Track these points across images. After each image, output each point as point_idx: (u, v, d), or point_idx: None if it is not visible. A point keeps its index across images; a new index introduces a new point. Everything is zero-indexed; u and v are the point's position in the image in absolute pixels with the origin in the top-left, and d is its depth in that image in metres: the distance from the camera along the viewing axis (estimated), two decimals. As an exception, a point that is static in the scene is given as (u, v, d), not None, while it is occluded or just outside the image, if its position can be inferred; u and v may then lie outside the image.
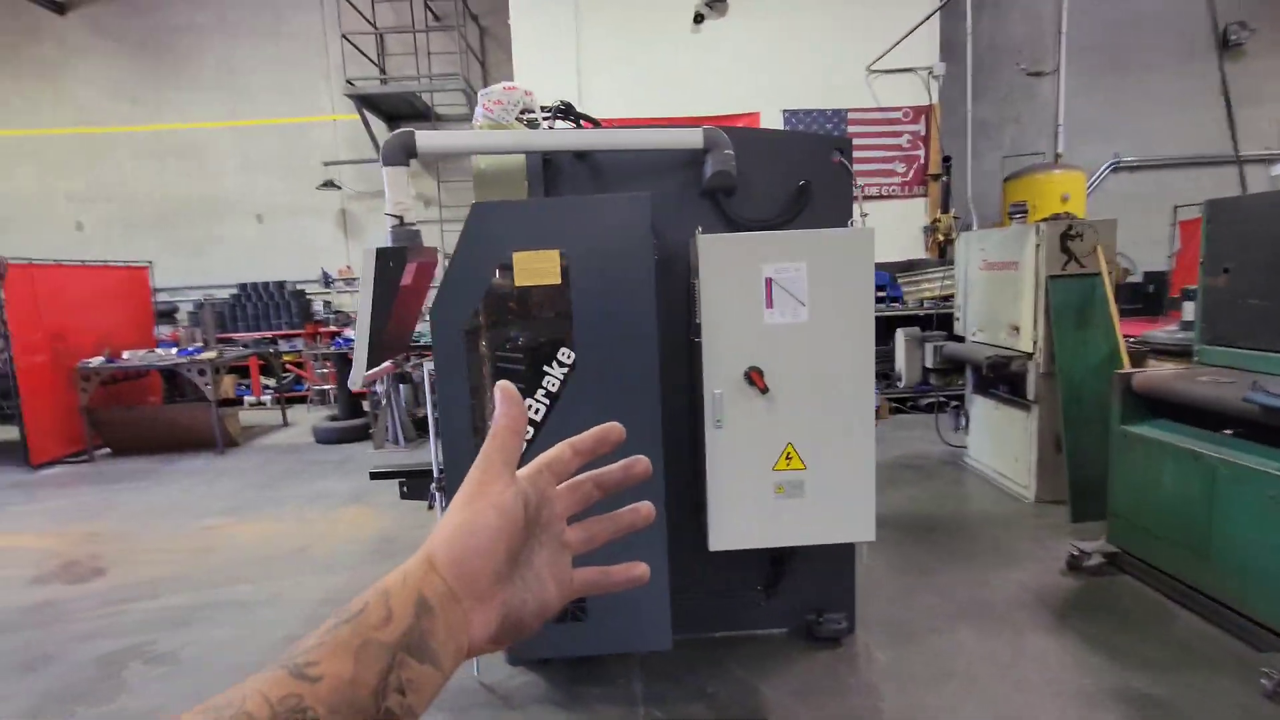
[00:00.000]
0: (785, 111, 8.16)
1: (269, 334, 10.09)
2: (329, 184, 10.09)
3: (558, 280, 2.41)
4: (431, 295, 2.74)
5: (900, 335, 5.85)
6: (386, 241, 2.58)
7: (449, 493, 2.54)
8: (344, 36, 9.11)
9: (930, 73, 8.14)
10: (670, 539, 3.02)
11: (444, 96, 10.05)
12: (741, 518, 2.81)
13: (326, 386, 9.71)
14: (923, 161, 8.33)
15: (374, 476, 3.10)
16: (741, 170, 2.97)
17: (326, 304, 10.90)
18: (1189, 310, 4.32)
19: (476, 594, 0.46)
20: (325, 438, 7.65)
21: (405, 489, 3.01)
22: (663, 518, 2.53)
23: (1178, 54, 10.46)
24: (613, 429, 0.55)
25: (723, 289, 2.69)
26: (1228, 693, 2.75)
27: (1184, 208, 9.80)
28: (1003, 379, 5.12)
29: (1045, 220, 4.89)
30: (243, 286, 10.48)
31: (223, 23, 10.51)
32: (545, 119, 2.88)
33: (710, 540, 2.82)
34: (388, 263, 2.43)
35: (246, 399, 10.11)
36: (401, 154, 2.58)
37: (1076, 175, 9.39)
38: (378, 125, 10.01)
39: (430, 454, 2.69)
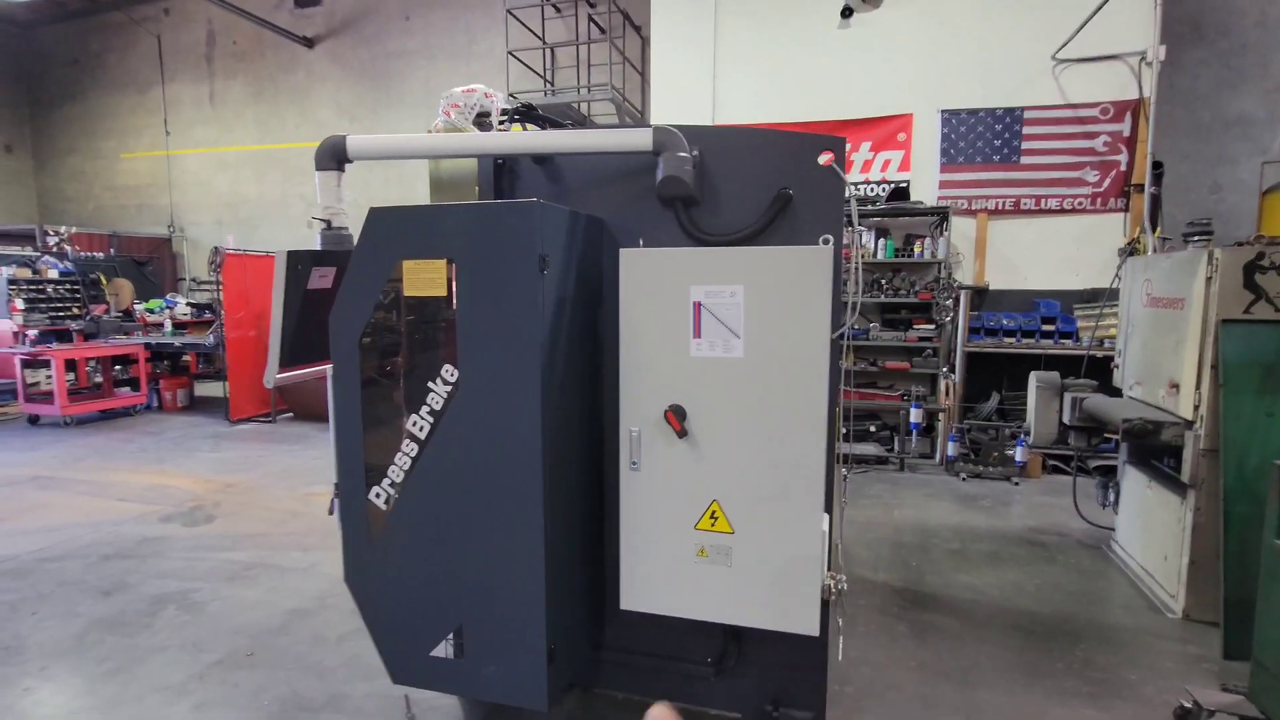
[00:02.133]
0: (944, 112, 7.09)
1: (434, 325, 11.13)
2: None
3: (444, 291, 2.25)
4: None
5: (1033, 380, 4.75)
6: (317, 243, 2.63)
7: (341, 499, 2.51)
8: (510, 53, 9.75)
9: (1143, 58, 6.55)
10: (616, 588, 2.70)
11: (600, 106, 10.33)
12: (656, 578, 2.42)
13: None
14: (1124, 168, 6.74)
15: (340, 472, 3.18)
16: (712, 175, 2.58)
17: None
18: None
19: None
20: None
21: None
22: (538, 567, 2.25)
23: None
24: None
25: (645, 312, 2.34)
26: None
27: None
28: (1157, 450, 3.94)
29: (1236, 245, 3.64)
30: (420, 281, 11.72)
31: (427, 47, 11.85)
32: (501, 122, 2.73)
33: (621, 597, 2.48)
34: (297, 266, 2.46)
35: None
36: (332, 159, 2.60)
37: (1378, 186, 7.03)
38: (538, 135, 10.57)
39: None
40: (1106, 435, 4.73)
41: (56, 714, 2.83)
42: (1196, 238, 3.88)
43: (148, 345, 9.37)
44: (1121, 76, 6.71)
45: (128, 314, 11.07)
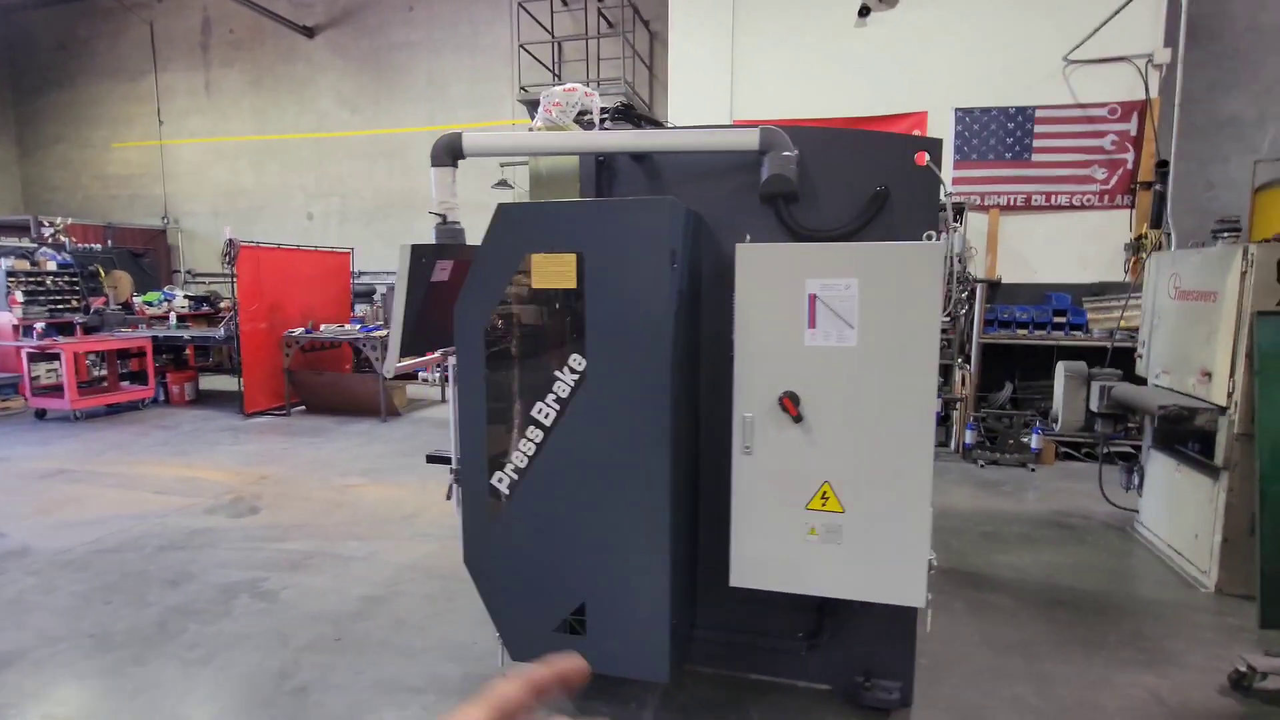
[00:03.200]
0: (958, 110, 7.30)
1: (442, 318, 11.14)
2: (502, 183, 10.88)
3: (573, 284, 2.35)
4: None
5: (1061, 369, 4.97)
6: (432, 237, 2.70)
7: (463, 483, 2.60)
8: (521, 46, 9.76)
9: (1150, 61, 6.81)
10: (707, 568, 2.86)
11: (609, 100, 10.37)
12: (767, 556, 2.55)
13: (484, 370, 10.49)
14: (1130, 166, 7.01)
15: (430, 460, 3.26)
16: (810, 174, 2.70)
17: (495, 294, 11.82)
18: None
19: None
20: (467, 417, 8.28)
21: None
22: (664, 546, 2.37)
23: None
24: (579, 671, 0.48)
25: (760, 304, 2.46)
26: None
27: None
28: (1186, 434, 4.17)
29: (1266, 241, 3.87)
30: (426, 274, 11.71)
31: (430, 39, 11.77)
32: (603, 120, 2.83)
33: (731, 575, 2.60)
34: (421, 259, 2.54)
35: (421, 374, 11.28)
36: (447, 155, 2.68)
37: (1365, 186, 7.38)
38: (548, 128, 10.61)
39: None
40: (1130, 422, 4.98)
41: (171, 697, 2.88)
42: (1226, 234, 4.11)
43: (155, 338, 9.25)
44: (1128, 78, 6.97)
45: (126, 306, 10.89)
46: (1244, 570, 3.72)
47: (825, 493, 2.47)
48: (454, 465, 2.66)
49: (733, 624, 2.98)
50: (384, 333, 8.56)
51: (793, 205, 2.71)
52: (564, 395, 2.41)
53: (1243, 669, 2.94)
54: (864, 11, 7.50)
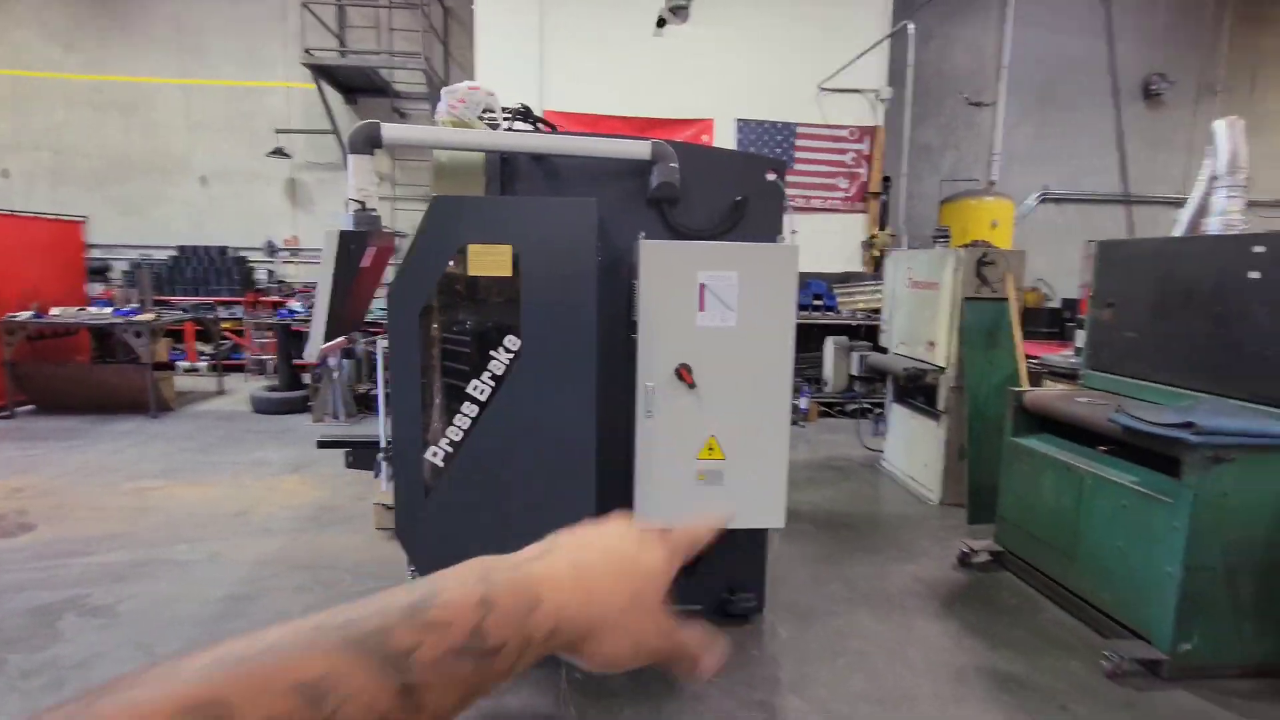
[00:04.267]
0: (738, 120, 8.48)
1: (208, 299, 9.86)
2: (278, 152, 9.91)
3: (509, 273, 2.61)
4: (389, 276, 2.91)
5: (829, 343, 6.24)
6: (347, 223, 2.73)
7: (395, 459, 2.71)
8: (304, 4, 8.96)
9: (877, 95, 8.58)
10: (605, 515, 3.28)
11: (404, 74, 9.99)
12: (665, 500, 3.07)
13: (266, 356, 9.56)
14: (865, 179, 8.78)
15: (321, 445, 3.24)
16: (684, 182, 3.23)
17: (270, 273, 10.70)
18: (1080, 338, 4.81)
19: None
20: (263, 408, 7.60)
21: (351, 458, 3.16)
22: (590, 499, 2.77)
23: (1108, 97, 11.24)
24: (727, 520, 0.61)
25: (660, 291, 2.94)
26: (1075, 672, 3.18)
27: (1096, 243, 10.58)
28: (918, 390, 5.56)
29: (965, 246, 5.33)
30: (182, 249, 10.21)
31: (177, -25, 10.16)
32: (505, 120, 3.06)
33: (635, 519, 3.07)
34: (349, 245, 2.59)
35: (180, 364, 9.87)
36: (366, 144, 2.73)
37: (1006, 204, 10.05)
38: (334, 97, 9.89)
39: (378, 426, 2.86)
40: (876, 383, 6.41)
41: (20, 732, 2.56)
42: (941, 239, 5.53)
43: None
44: (864, 107, 8.67)
45: None
46: (957, 487, 5.14)
47: (711, 445, 3.06)
48: (384, 444, 2.75)
49: (622, 566, 3.46)
50: (147, 317, 7.44)
51: (674, 208, 3.22)
52: (499, 372, 2.67)
53: (965, 551, 4.19)
54: (661, 23, 8.30)
